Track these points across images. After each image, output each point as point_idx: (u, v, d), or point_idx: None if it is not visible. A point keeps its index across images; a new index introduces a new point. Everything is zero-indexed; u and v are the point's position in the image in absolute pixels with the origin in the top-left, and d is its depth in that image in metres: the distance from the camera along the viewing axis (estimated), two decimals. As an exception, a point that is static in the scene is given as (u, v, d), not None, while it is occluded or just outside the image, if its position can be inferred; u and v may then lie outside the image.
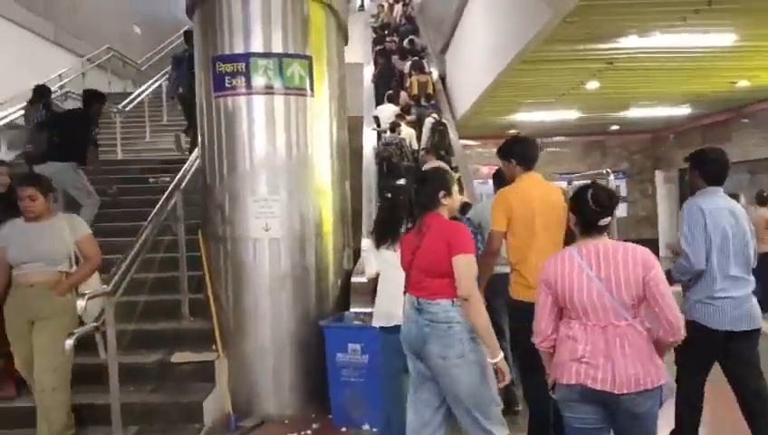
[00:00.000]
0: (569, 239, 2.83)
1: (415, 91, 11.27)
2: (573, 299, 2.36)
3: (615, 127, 14.82)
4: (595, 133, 15.64)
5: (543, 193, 3.32)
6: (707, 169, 3.30)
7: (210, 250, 4.65)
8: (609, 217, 2.43)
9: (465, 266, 2.66)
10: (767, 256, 7.93)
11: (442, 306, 2.72)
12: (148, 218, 4.49)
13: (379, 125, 10.07)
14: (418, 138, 9.54)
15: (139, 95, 10.52)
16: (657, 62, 8.04)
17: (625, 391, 2.27)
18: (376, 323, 3.70)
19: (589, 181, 2.65)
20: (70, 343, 3.19)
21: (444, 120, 10.01)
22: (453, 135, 10.16)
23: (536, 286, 2.57)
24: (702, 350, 3.24)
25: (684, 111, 12.26)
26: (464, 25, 11.73)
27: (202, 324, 4.64)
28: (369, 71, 13.45)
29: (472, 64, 10.71)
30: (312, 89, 4.74)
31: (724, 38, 6.84)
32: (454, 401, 2.76)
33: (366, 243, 4.39)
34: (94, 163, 6.23)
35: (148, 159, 8.76)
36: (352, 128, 11.81)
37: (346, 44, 5.98)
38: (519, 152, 3.42)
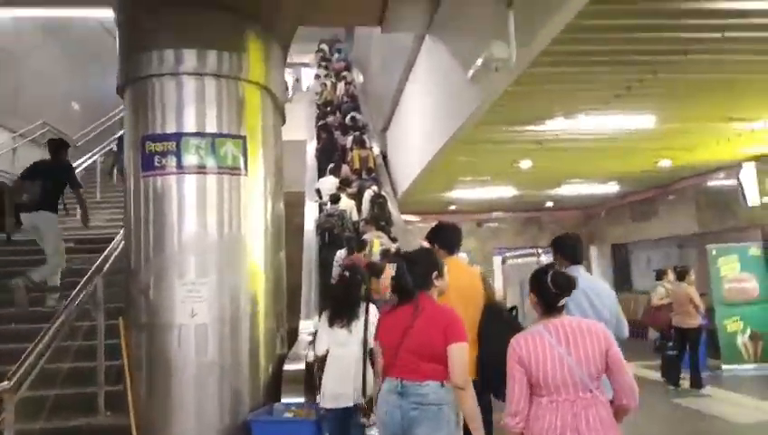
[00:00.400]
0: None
1: (356, 165, 11.62)
2: (547, 376, 2.50)
3: (549, 203, 15.33)
4: (531, 210, 16.12)
5: (462, 277, 3.42)
6: (566, 250, 3.69)
7: (131, 338, 4.37)
8: (567, 298, 2.63)
9: (462, 356, 2.71)
10: (693, 330, 8.26)
11: (432, 388, 2.73)
12: (64, 305, 4.19)
13: (321, 197, 10.23)
14: (359, 209, 9.75)
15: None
16: (584, 143, 8.43)
17: None
18: (324, 404, 3.80)
19: (544, 265, 2.85)
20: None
21: (383, 193, 10.24)
22: (392, 207, 10.34)
23: None
24: None
25: (612, 188, 12.84)
26: (402, 106, 12.10)
27: (120, 419, 4.28)
28: (312, 147, 13.60)
29: (410, 143, 10.97)
30: (246, 168, 4.68)
31: (644, 120, 7.26)
32: None
33: (316, 321, 4.31)
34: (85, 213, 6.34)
35: (75, 237, 8.38)
36: (294, 203, 11.83)
37: (283, 123, 6.02)
38: (442, 239, 3.61)
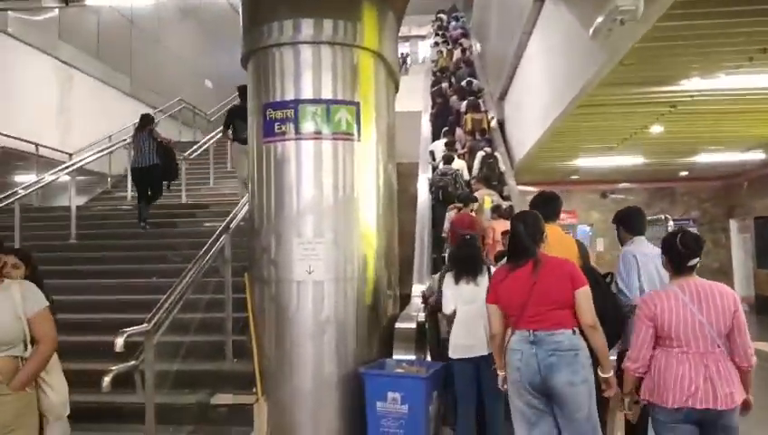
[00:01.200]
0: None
1: (469, 127, 11.84)
2: (679, 330, 2.80)
3: (684, 173, 14.22)
4: (662, 180, 15.04)
5: (555, 245, 3.48)
6: (628, 222, 3.88)
7: (255, 292, 4.68)
8: (698, 259, 2.88)
9: (588, 298, 2.98)
10: None
11: (566, 335, 2.96)
12: (194, 260, 4.58)
13: (434, 159, 10.57)
14: (470, 169, 10.06)
15: (204, 143, 11.01)
16: (724, 105, 7.71)
17: (724, 408, 2.72)
18: (454, 355, 4.17)
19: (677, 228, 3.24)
20: (107, 380, 3.22)
21: (495, 154, 10.31)
22: (506, 170, 10.54)
23: None
24: None
25: (757, 156, 11.64)
26: (521, 71, 11.71)
27: (246, 366, 4.63)
28: (426, 117, 13.58)
29: (529, 110, 10.62)
30: (359, 134, 4.80)
31: (794, 78, 6.50)
32: (575, 425, 2.93)
33: (443, 281, 4.61)
34: None
35: (210, 202, 9.10)
36: (408, 174, 11.97)
37: (396, 91, 6.06)
38: (542, 207, 3.77)
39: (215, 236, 4.86)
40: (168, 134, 13.86)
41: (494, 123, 13.07)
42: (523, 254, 3.14)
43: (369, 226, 4.87)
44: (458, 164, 9.70)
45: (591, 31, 5.07)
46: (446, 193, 8.81)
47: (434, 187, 9.19)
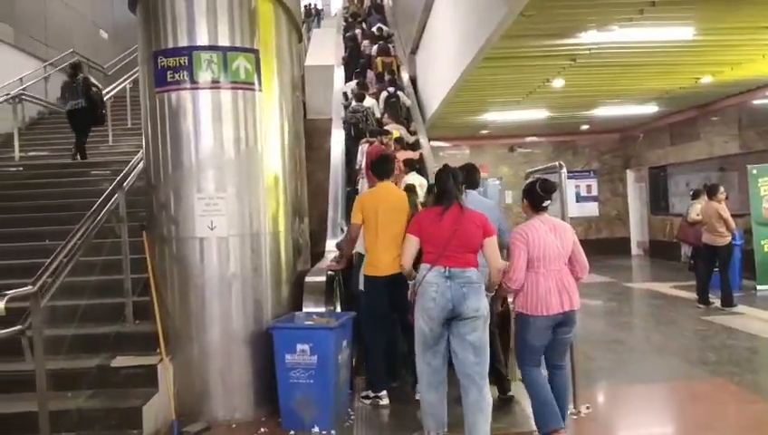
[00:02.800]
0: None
1: (379, 69, 12.47)
2: (543, 252, 3.60)
3: (585, 126, 14.86)
4: (566, 133, 15.67)
5: (388, 198, 4.50)
6: (466, 179, 4.12)
7: (155, 251, 4.49)
8: (550, 200, 3.72)
9: (495, 245, 3.61)
10: (724, 247, 8.07)
11: (474, 272, 3.53)
12: (83, 219, 4.30)
13: (346, 99, 11.07)
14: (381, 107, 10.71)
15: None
16: (619, 58, 8.02)
17: (576, 308, 3.65)
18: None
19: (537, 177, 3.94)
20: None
21: (397, 93, 11.07)
22: (410, 102, 11.59)
23: (380, 266, 4.38)
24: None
25: (651, 109, 12.31)
26: (430, 26, 11.70)
27: (147, 328, 4.46)
28: (340, 73, 13.35)
29: (438, 64, 10.66)
30: (260, 83, 4.62)
31: (682, 31, 6.82)
32: (470, 349, 3.48)
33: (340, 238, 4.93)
34: None
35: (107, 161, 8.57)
36: (321, 130, 11.78)
37: (300, 41, 5.87)
38: (374, 168, 4.78)
39: (106, 193, 4.57)
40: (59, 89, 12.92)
41: (405, 77, 13.10)
42: (450, 201, 3.62)
43: (275, 179, 4.77)
44: (369, 102, 10.30)
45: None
46: (357, 129, 9.47)
47: (346, 123, 9.83)
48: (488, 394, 3.51)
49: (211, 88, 4.45)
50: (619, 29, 6.67)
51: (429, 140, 11.02)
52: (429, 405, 3.61)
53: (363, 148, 8.54)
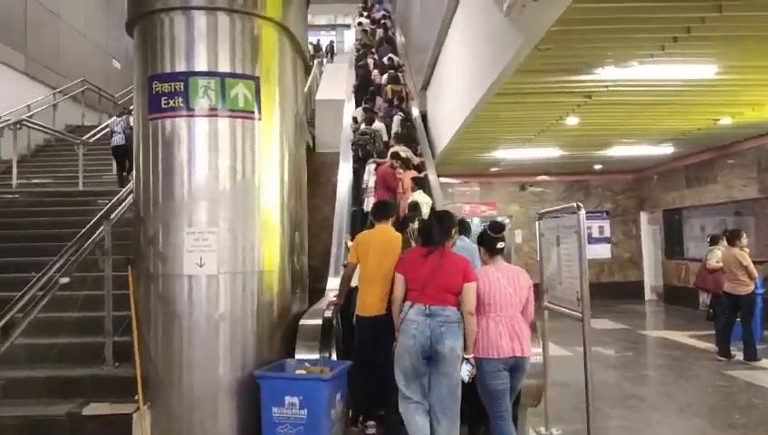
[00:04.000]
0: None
1: (389, 96, 12.65)
2: (496, 299, 3.74)
3: (598, 166, 14.56)
4: (578, 173, 15.38)
5: (381, 240, 4.49)
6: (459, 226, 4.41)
7: (140, 288, 4.17)
8: (504, 242, 3.89)
9: (472, 291, 3.72)
10: (745, 297, 7.65)
11: (453, 311, 3.70)
12: (60, 252, 4.01)
13: (356, 122, 11.30)
14: (389, 130, 10.94)
15: (105, 127, 10.19)
16: (637, 97, 7.76)
17: (527, 355, 3.75)
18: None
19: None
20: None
21: (413, 118, 11.76)
22: (415, 111, 12.38)
23: (364, 307, 4.34)
24: None
25: (667, 150, 12.01)
26: (441, 61, 11.55)
27: (128, 371, 4.12)
28: (350, 107, 13.22)
29: (450, 99, 10.46)
30: (259, 112, 4.37)
31: (704, 70, 6.56)
32: (445, 386, 3.67)
33: None
34: None
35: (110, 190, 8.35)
36: (330, 165, 11.57)
37: (307, 71, 5.65)
38: (374, 211, 4.87)
39: (90, 224, 4.29)
40: (69, 118, 12.85)
41: (415, 112, 12.95)
42: (434, 244, 3.85)
43: (272, 214, 4.47)
44: (378, 126, 10.55)
45: (505, 6, 4.86)
46: (365, 151, 9.71)
47: (354, 146, 10.06)
48: (457, 430, 3.72)
49: (208, 116, 4.20)
50: (638, 65, 6.41)
51: (438, 176, 10.76)
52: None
53: (370, 168, 8.74)
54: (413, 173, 8.14)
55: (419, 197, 7.11)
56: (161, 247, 4.12)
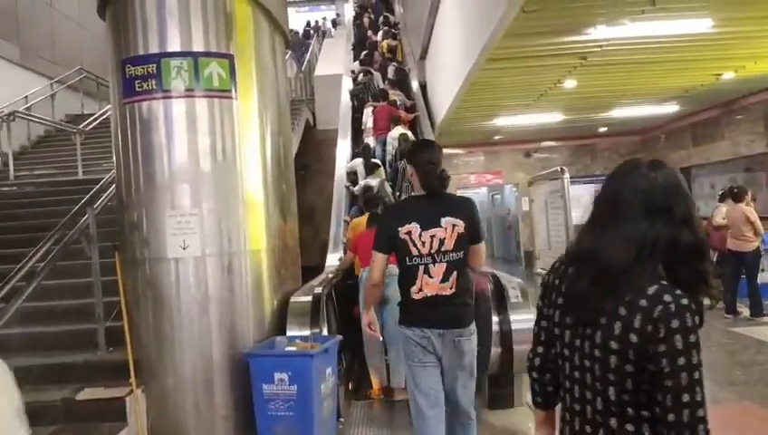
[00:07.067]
0: None
1: (385, 50, 13.65)
2: None
3: (603, 129, 14.35)
4: (583, 136, 15.18)
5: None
6: None
7: (128, 273, 4.19)
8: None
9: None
10: (750, 253, 7.55)
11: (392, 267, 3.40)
12: (47, 237, 4.02)
13: (354, 74, 12.60)
14: (384, 78, 12.00)
15: (104, 113, 10.18)
16: (633, 55, 7.59)
17: None
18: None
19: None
20: None
21: (405, 68, 12.95)
22: (414, 83, 12.82)
23: None
24: None
25: (671, 108, 11.79)
26: (438, 28, 11.37)
27: (121, 355, 4.14)
28: (347, 82, 13.08)
29: (446, 67, 10.32)
30: (236, 91, 4.31)
31: (699, 24, 6.38)
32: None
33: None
34: None
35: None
36: (331, 141, 11.51)
37: (287, 46, 5.57)
38: (364, 203, 5.18)
39: (73, 212, 4.29)
40: (69, 107, 12.82)
41: (414, 84, 12.83)
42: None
43: (255, 194, 4.44)
44: (374, 74, 11.83)
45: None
46: (360, 99, 10.95)
47: (352, 94, 11.42)
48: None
49: (185, 97, 4.13)
50: (630, 23, 6.25)
51: (443, 147, 10.66)
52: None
53: (368, 111, 9.86)
54: (401, 112, 9.77)
55: (398, 131, 8.65)
56: (145, 232, 4.10)
